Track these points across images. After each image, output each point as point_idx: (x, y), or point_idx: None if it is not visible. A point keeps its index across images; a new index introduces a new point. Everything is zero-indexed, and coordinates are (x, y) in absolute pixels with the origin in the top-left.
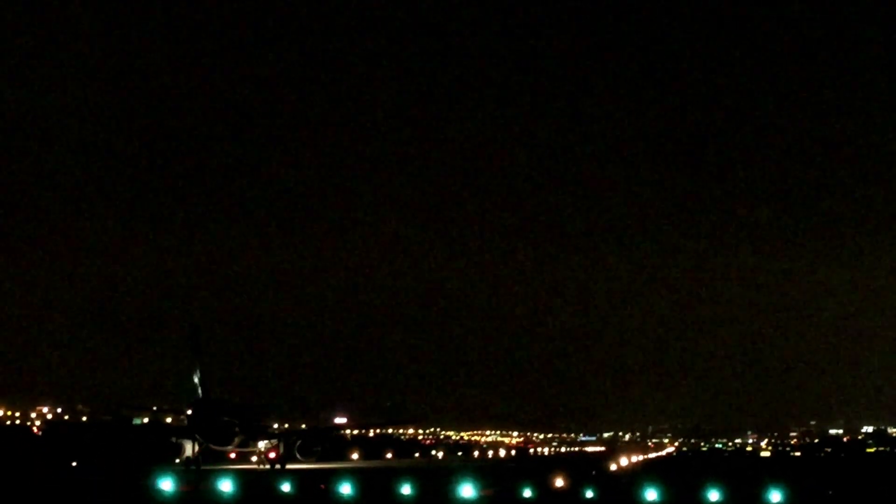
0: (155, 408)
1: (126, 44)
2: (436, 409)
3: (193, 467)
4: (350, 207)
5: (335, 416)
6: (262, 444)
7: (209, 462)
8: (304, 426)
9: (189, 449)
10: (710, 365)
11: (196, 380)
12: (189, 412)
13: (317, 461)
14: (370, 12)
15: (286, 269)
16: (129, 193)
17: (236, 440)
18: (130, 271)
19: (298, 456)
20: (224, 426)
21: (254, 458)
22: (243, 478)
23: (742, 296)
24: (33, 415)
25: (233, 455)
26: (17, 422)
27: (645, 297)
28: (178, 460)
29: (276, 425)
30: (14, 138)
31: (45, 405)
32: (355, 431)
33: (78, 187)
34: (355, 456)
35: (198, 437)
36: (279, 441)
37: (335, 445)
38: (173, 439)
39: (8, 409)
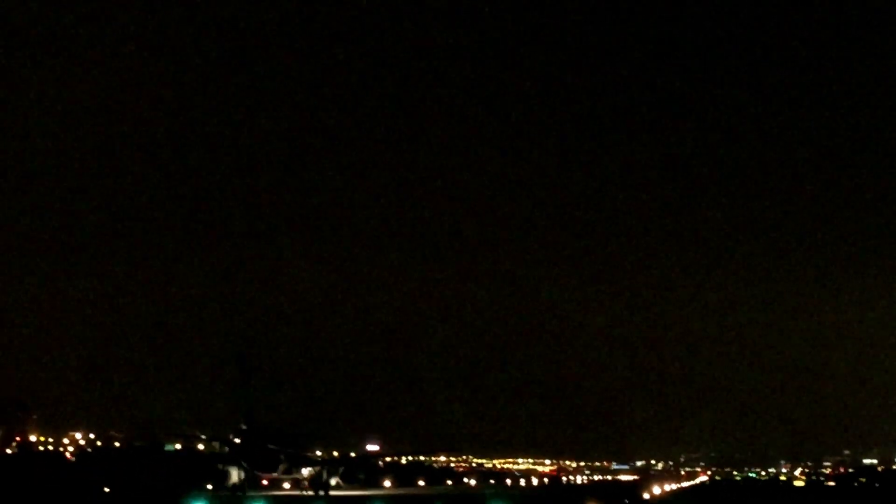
0: (203, 436)
1: (154, 69)
2: (468, 436)
3: (240, 493)
4: (376, 234)
5: (367, 444)
6: (305, 471)
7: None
8: (335, 453)
9: (235, 475)
10: (742, 393)
11: (248, 408)
12: (236, 440)
13: (360, 488)
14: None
15: (315, 296)
16: (162, 217)
17: (281, 467)
18: (162, 299)
19: (342, 483)
20: (270, 454)
21: (286, 485)
22: None
23: (776, 324)
24: (66, 440)
25: (265, 482)
26: (51, 447)
27: (679, 325)
28: (224, 486)
29: (318, 452)
30: (62, 161)
31: (78, 431)
32: (387, 459)
33: (108, 211)
34: (388, 483)
35: (244, 463)
36: (322, 468)
37: (369, 473)
38: (220, 466)
39: (41, 435)
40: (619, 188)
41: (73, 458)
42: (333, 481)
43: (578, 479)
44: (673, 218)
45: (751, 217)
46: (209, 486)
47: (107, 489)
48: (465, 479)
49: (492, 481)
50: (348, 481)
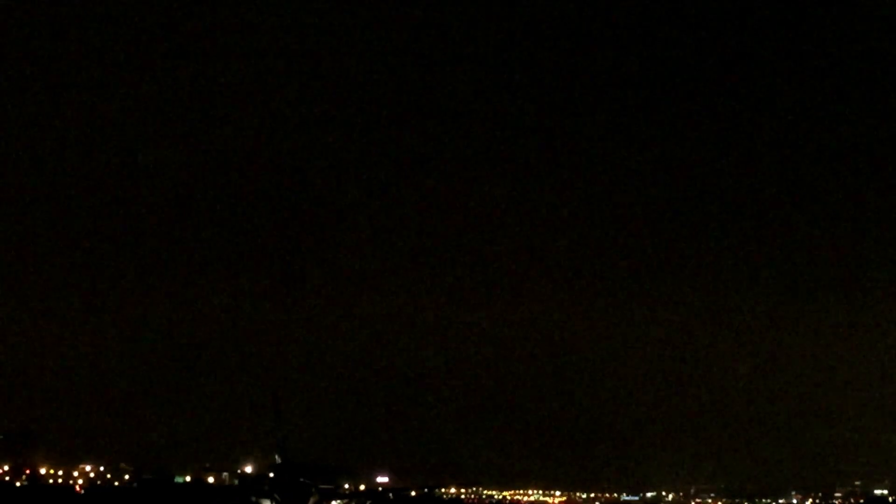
0: (208, 465)
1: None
2: (478, 467)
3: None
4: (384, 266)
5: (377, 476)
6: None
7: None
8: (362, 486)
9: None
10: (754, 424)
11: (281, 444)
12: (270, 474)
13: None
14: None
15: (326, 322)
16: (166, 250)
17: (312, 500)
18: (172, 330)
19: None
20: (301, 487)
21: None
22: None
23: (788, 355)
24: (76, 473)
25: None
26: (60, 480)
27: (690, 354)
28: None
29: (346, 485)
30: (81, 183)
31: (87, 463)
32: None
33: (119, 240)
34: None
35: (276, 496)
36: (350, 501)
37: None
38: (252, 499)
39: (51, 468)
40: (639, 219)
41: (83, 491)
42: None
43: None
44: (687, 251)
45: (762, 251)
46: None
47: None
48: None
49: None
50: None
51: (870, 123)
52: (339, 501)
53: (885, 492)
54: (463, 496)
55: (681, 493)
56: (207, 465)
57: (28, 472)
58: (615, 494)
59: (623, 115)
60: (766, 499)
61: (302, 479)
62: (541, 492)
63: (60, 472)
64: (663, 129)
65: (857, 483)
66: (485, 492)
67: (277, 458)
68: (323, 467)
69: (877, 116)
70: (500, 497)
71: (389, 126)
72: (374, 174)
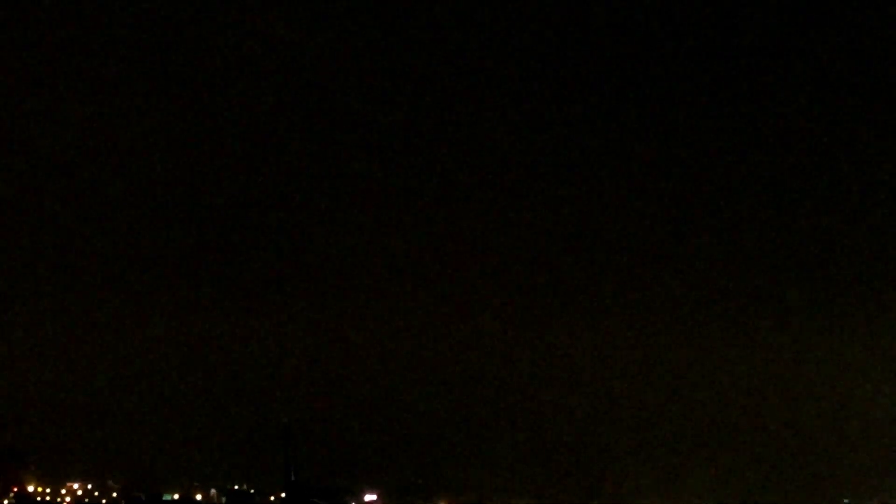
0: (197, 483)
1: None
2: (469, 482)
3: None
4: (375, 275)
5: (365, 494)
6: None
7: None
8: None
9: None
10: (745, 442)
11: (291, 466)
12: (283, 494)
13: None
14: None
15: (313, 341)
16: (154, 266)
17: None
18: (161, 347)
19: None
20: None
21: None
22: None
23: (769, 372)
24: (64, 491)
25: None
26: (48, 498)
27: (675, 373)
28: None
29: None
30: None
31: (75, 481)
32: None
33: (111, 254)
34: None
35: None
36: None
37: None
38: None
39: (39, 485)
40: (626, 224)
41: None
42: None
43: None
44: (675, 256)
45: (746, 261)
46: None
47: None
48: None
49: None
50: None
51: (865, 132)
52: None
53: None
54: None
55: None
56: (196, 483)
57: (15, 489)
58: None
59: (608, 116)
60: None
61: (314, 500)
62: None
63: (48, 491)
64: (648, 129)
65: (845, 501)
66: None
67: (292, 477)
68: (334, 488)
69: (872, 122)
70: None
71: (382, 132)
72: (364, 181)
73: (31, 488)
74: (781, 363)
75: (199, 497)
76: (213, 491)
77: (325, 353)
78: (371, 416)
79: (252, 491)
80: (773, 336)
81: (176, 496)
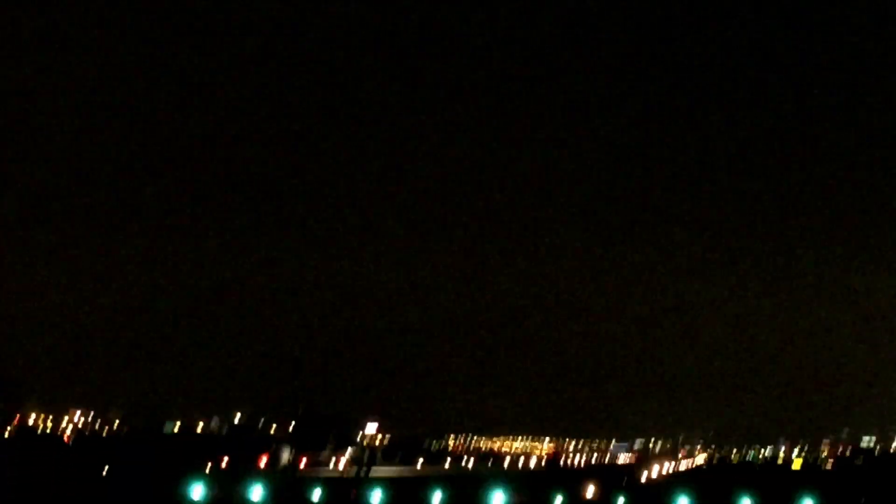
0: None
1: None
2: (464, 415)
3: (289, 472)
4: (375, 211)
5: (366, 423)
6: (349, 451)
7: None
8: (359, 436)
9: (287, 455)
10: (740, 374)
11: (299, 396)
12: (292, 423)
13: (398, 466)
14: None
15: (311, 272)
16: (157, 199)
17: (329, 447)
18: (161, 277)
19: (382, 462)
20: (320, 436)
21: (331, 465)
22: (275, 485)
23: (771, 303)
24: (65, 420)
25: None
26: (49, 427)
27: (679, 303)
28: (275, 467)
29: (364, 434)
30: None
31: (77, 411)
32: (380, 437)
33: (112, 189)
34: (420, 461)
35: (296, 444)
36: (365, 448)
37: (406, 453)
38: (273, 446)
39: (40, 415)
40: (622, 166)
41: (71, 440)
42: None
43: (577, 460)
44: (672, 196)
45: (750, 196)
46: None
47: (106, 469)
48: (464, 461)
49: (489, 462)
50: (389, 460)
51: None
52: (352, 449)
53: (874, 437)
54: (451, 445)
55: (668, 443)
56: (197, 412)
57: (16, 421)
58: (604, 441)
59: (619, 57)
60: (755, 446)
61: (320, 429)
62: (530, 439)
63: (50, 421)
64: (663, 71)
65: (845, 431)
66: (473, 440)
67: (300, 409)
68: (339, 417)
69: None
70: (489, 445)
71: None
72: (367, 128)
73: (31, 419)
74: (783, 295)
75: (200, 427)
76: (214, 422)
77: (333, 288)
78: (375, 350)
79: (263, 419)
80: (775, 270)
81: (177, 426)
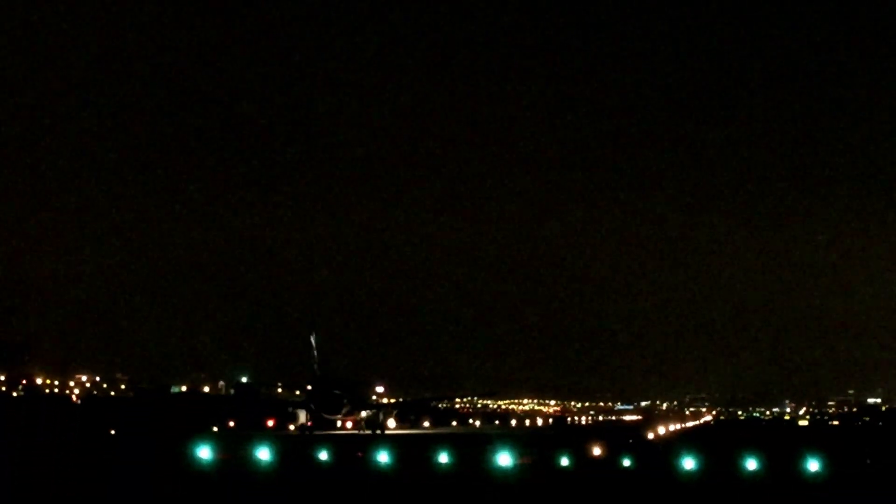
0: (204, 375)
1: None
2: (472, 377)
3: (307, 432)
4: (384, 173)
5: (375, 385)
6: (363, 413)
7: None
8: (374, 397)
9: (303, 417)
10: (747, 333)
11: (315, 361)
12: (308, 387)
13: (410, 427)
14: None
15: (318, 235)
16: (171, 164)
17: (344, 410)
18: (162, 241)
19: (396, 423)
20: (335, 398)
21: (348, 425)
22: (282, 445)
23: (778, 264)
24: (72, 383)
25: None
26: (56, 390)
27: (685, 265)
28: (292, 427)
29: (374, 397)
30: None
31: (84, 374)
32: (392, 400)
33: (134, 159)
34: (426, 423)
35: (312, 406)
36: (378, 410)
37: (418, 415)
38: (289, 409)
39: (47, 378)
40: (627, 129)
41: (79, 401)
42: (390, 422)
43: (583, 420)
44: (676, 155)
45: (754, 157)
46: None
47: (112, 432)
48: (470, 420)
49: (496, 422)
50: (401, 421)
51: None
52: (367, 411)
53: (879, 400)
54: (458, 406)
55: (674, 402)
56: (203, 374)
57: (25, 382)
58: (610, 404)
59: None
60: (761, 407)
61: (336, 392)
62: (536, 401)
63: (57, 383)
64: (662, 29)
65: (850, 392)
66: (480, 401)
67: (317, 371)
68: (355, 381)
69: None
70: (496, 406)
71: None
72: (373, 87)
73: (39, 381)
74: (789, 258)
75: (206, 389)
76: (220, 383)
77: (341, 251)
78: (382, 313)
79: (279, 384)
80: (780, 232)
81: (183, 388)
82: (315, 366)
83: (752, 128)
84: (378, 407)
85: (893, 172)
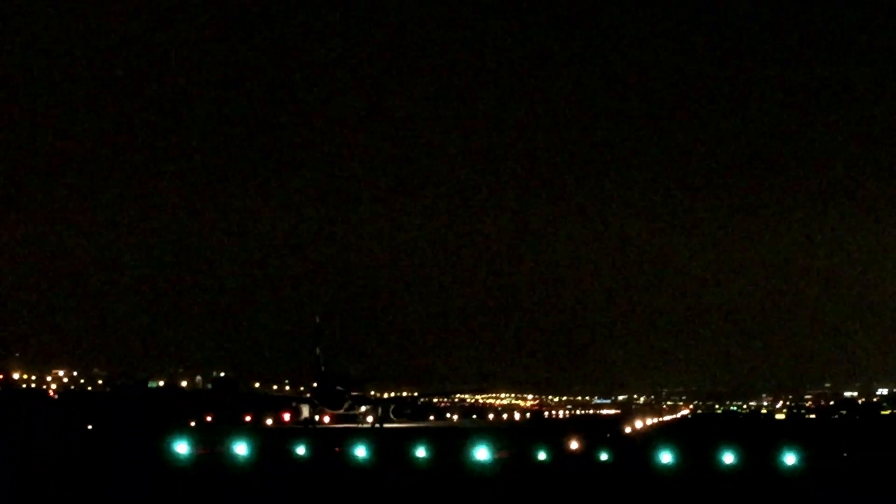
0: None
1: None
2: (451, 371)
3: (310, 426)
4: (357, 173)
5: (370, 382)
6: (363, 408)
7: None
8: (372, 393)
9: (306, 411)
10: (724, 328)
11: (320, 359)
12: (314, 384)
13: (407, 422)
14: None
15: (299, 234)
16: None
17: (345, 405)
18: (139, 237)
19: (393, 417)
20: (338, 394)
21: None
22: (261, 440)
23: (757, 259)
24: (49, 378)
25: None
26: (34, 385)
27: (661, 259)
28: (297, 421)
29: (372, 392)
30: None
31: (61, 368)
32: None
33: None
34: (431, 417)
35: (316, 402)
36: (377, 406)
37: (415, 410)
38: (294, 404)
39: (24, 373)
40: (608, 122)
41: (56, 396)
42: (368, 416)
43: (560, 414)
44: (654, 151)
45: (729, 153)
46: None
47: (90, 426)
48: (448, 415)
49: (474, 416)
50: (398, 416)
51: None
52: (366, 407)
53: (855, 393)
54: (436, 400)
55: (652, 396)
56: (181, 369)
57: (2, 377)
58: (587, 398)
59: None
60: (738, 401)
61: (339, 388)
62: (513, 395)
63: (34, 377)
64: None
65: (827, 385)
66: (458, 395)
67: (322, 368)
68: (355, 378)
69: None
70: (473, 400)
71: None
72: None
73: (16, 375)
74: (765, 254)
75: (184, 384)
76: (198, 378)
77: (316, 252)
78: (362, 311)
79: (285, 387)
80: (756, 226)
81: (161, 383)
82: (322, 366)
83: (726, 124)
84: (376, 402)
85: (867, 167)
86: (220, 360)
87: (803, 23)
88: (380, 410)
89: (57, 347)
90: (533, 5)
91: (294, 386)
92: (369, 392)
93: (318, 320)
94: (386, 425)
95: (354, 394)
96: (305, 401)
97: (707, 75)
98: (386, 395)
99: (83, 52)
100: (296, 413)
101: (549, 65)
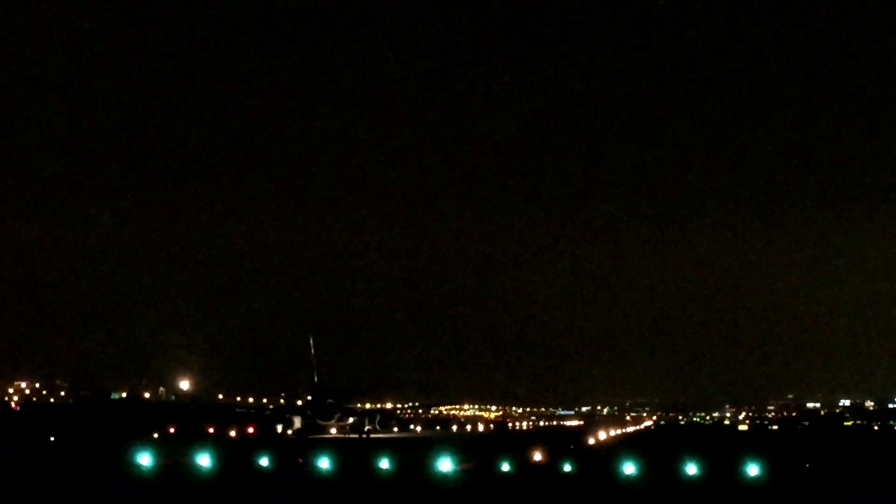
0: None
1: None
2: (414, 382)
3: (301, 437)
4: (335, 180)
5: (356, 394)
6: (350, 420)
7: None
8: (359, 405)
9: (298, 422)
10: (687, 339)
11: (315, 375)
12: (308, 397)
13: (393, 432)
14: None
15: (263, 240)
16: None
17: (335, 416)
18: (105, 246)
19: (378, 428)
20: (329, 407)
21: (333, 430)
22: (223, 452)
23: (719, 270)
24: (11, 390)
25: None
26: None
27: (625, 271)
28: (289, 431)
29: (358, 405)
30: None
31: (23, 380)
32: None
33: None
34: (419, 428)
35: (309, 413)
36: (364, 417)
37: (400, 421)
38: (286, 416)
39: None
40: (585, 133)
41: (18, 408)
42: (371, 427)
43: (524, 425)
44: (628, 162)
45: (696, 167)
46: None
47: (52, 438)
48: (411, 426)
49: (437, 427)
50: (383, 426)
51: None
52: (354, 417)
53: (818, 404)
54: (399, 411)
55: (615, 408)
56: (144, 381)
57: None
58: (551, 409)
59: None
60: (701, 412)
61: (330, 401)
62: (477, 406)
63: None
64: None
65: (789, 396)
66: (421, 406)
67: (316, 379)
68: (345, 391)
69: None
70: (437, 411)
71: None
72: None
73: None
74: (727, 266)
75: (147, 395)
76: (161, 389)
77: (277, 262)
78: (326, 321)
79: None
80: (717, 240)
81: (124, 394)
82: (315, 379)
83: (693, 132)
84: (363, 414)
85: (832, 178)
86: (184, 371)
87: (805, 23)
88: (366, 422)
89: (19, 359)
90: (533, 5)
91: (258, 398)
92: (356, 404)
93: (311, 335)
94: (373, 435)
95: (345, 406)
96: (298, 412)
97: (666, 84)
98: (369, 406)
99: (57, 53)
100: (289, 424)
101: (536, 73)
